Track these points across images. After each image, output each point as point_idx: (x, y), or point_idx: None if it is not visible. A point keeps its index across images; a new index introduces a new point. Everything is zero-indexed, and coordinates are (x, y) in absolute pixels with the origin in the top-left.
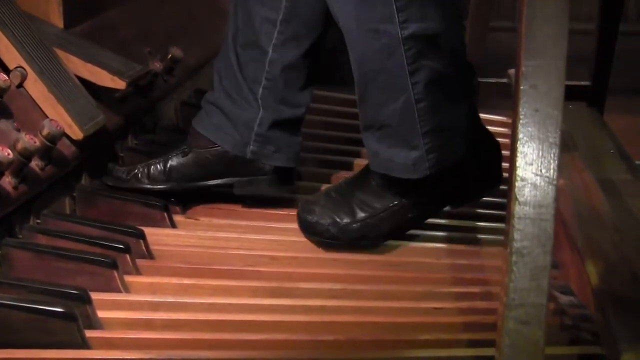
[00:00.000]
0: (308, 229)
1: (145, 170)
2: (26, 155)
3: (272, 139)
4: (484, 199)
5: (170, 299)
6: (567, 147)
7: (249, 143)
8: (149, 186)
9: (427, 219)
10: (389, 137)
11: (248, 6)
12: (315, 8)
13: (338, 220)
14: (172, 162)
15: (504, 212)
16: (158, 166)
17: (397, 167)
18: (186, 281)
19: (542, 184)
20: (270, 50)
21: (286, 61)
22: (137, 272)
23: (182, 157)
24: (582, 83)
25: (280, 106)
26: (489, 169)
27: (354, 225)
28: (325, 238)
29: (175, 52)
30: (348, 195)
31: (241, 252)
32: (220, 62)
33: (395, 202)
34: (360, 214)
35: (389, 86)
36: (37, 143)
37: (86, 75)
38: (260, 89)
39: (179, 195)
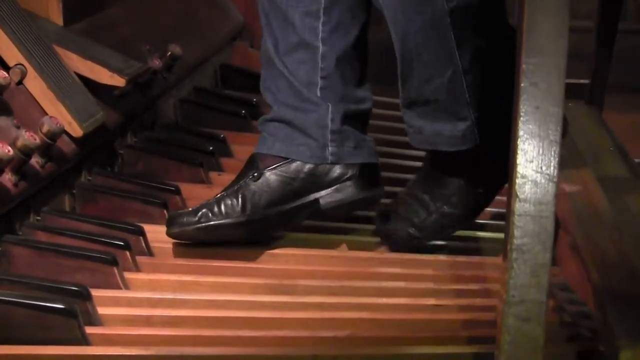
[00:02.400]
0: (390, 237)
1: (215, 207)
2: (26, 152)
3: (349, 133)
4: None
5: (169, 296)
6: (566, 145)
7: (327, 145)
8: (223, 221)
9: (496, 194)
10: (435, 112)
11: (282, 11)
12: None
13: (415, 219)
14: (244, 191)
15: (503, 209)
16: (228, 200)
17: (444, 140)
18: (185, 278)
19: (543, 181)
20: (320, 45)
21: (338, 52)
22: (137, 269)
23: (254, 182)
24: (582, 81)
25: (344, 103)
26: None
27: (431, 217)
28: (408, 241)
29: (175, 49)
30: (417, 194)
31: (240, 248)
32: (267, 80)
33: (462, 182)
34: (433, 205)
35: (435, 61)
36: (37, 140)
37: (85, 73)
38: (318, 90)
39: (259, 227)
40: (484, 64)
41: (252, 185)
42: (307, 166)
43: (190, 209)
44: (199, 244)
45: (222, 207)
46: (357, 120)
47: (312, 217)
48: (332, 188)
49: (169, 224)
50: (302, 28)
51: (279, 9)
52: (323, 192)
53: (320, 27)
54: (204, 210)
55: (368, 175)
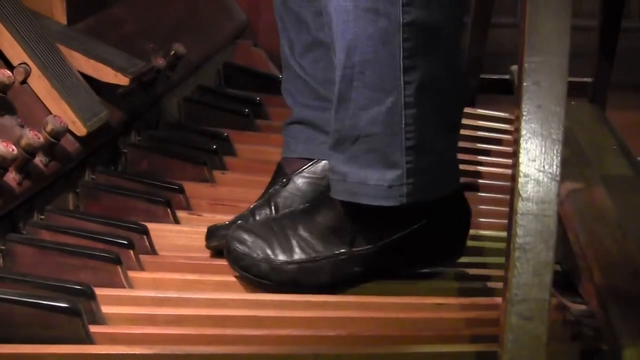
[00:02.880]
0: (235, 260)
1: (250, 218)
2: (30, 151)
3: None
4: (489, 194)
5: (173, 295)
6: (569, 143)
7: None
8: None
9: (375, 279)
10: (364, 154)
11: (295, 13)
12: None
13: (272, 256)
14: (276, 198)
15: (506, 208)
16: (262, 210)
17: (367, 190)
18: (189, 277)
19: (545, 180)
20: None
21: None
22: (141, 267)
23: (283, 188)
24: (584, 79)
25: None
26: (457, 233)
27: (289, 266)
28: (253, 275)
29: (178, 48)
30: (289, 229)
31: None
32: (286, 83)
33: (343, 251)
34: (299, 255)
35: (377, 82)
36: (41, 139)
37: (89, 72)
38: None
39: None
40: (432, 103)
41: (282, 192)
42: None
43: (226, 222)
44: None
45: (257, 217)
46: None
47: None
48: None
49: (208, 237)
50: (315, 27)
51: (292, 11)
52: None
53: None
54: (239, 222)
55: None
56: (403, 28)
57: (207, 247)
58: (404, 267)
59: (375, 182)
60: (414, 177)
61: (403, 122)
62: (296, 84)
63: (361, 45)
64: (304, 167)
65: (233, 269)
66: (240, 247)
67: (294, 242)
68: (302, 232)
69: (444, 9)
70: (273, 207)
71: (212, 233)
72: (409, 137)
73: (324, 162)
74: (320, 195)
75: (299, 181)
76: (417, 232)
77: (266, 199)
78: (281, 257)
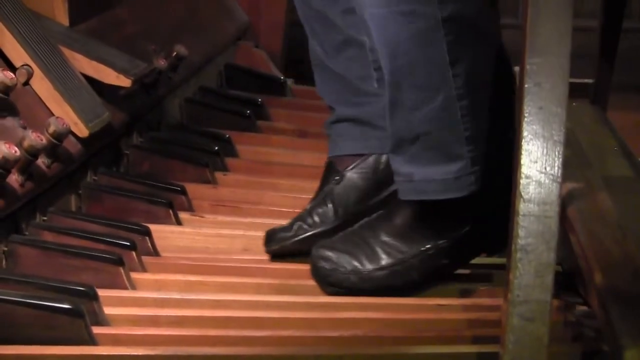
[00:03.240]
0: (324, 278)
1: (308, 218)
2: (32, 153)
3: None
4: None
5: (175, 296)
6: (571, 145)
7: None
8: (320, 229)
9: (464, 264)
10: (425, 151)
11: (323, 14)
12: None
13: (359, 267)
14: (331, 195)
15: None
16: (319, 209)
17: (435, 186)
18: (191, 278)
19: (547, 181)
20: (366, 38)
21: None
22: (143, 269)
23: (337, 185)
24: (586, 80)
25: None
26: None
27: (379, 272)
28: (344, 288)
29: (180, 49)
30: (370, 237)
31: (246, 249)
32: (322, 84)
33: (429, 246)
34: (386, 260)
35: (426, 81)
36: (44, 140)
37: (91, 73)
38: (375, 82)
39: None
40: (480, 91)
41: (337, 189)
42: (384, 157)
43: (284, 224)
44: (297, 254)
45: (315, 217)
46: None
47: None
48: None
49: (267, 241)
50: (345, 26)
51: (319, 12)
52: None
53: (362, 21)
54: (298, 223)
55: None
56: (443, 24)
57: (267, 251)
58: (486, 251)
59: (442, 177)
60: (478, 164)
61: (459, 114)
62: (335, 83)
63: (404, 48)
64: (355, 163)
65: (322, 287)
66: (326, 265)
67: (379, 249)
68: (385, 238)
69: (475, 1)
70: (330, 204)
71: (271, 237)
72: (466, 128)
73: (374, 155)
74: (393, 200)
75: (353, 176)
76: (488, 215)
77: (322, 197)
78: (369, 266)
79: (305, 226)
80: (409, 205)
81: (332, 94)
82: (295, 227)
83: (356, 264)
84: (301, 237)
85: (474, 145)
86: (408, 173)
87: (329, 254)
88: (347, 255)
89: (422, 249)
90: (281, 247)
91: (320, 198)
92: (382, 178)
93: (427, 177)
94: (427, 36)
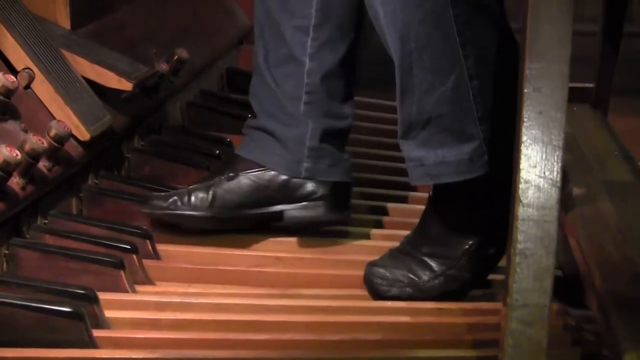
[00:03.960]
0: (383, 295)
1: (186, 197)
2: (34, 156)
3: (326, 151)
4: None
5: (176, 299)
6: (571, 149)
7: (302, 160)
8: (189, 212)
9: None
10: (437, 134)
11: (276, 23)
12: (346, 7)
13: (416, 279)
14: (216, 188)
15: None
16: (199, 193)
17: (448, 168)
18: (192, 285)
19: (546, 186)
20: (307, 60)
21: (325, 69)
22: (144, 272)
23: (227, 182)
24: (586, 85)
25: (326, 119)
26: None
27: (435, 281)
28: (400, 299)
29: (181, 53)
30: (415, 251)
31: (246, 252)
32: (256, 87)
33: (470, 242)
34: (439, 267)
35: (437, 64)
36: (45, 144)
37: (93, 76)
38: (302, 105)
39: (221, 224)
40: (490, 70)
41: (225, 184)
42: (281, 177)
43: (164, 193)
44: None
45: (192, 199)
46: (337, 137)
47: (274, 229)
48: (301, 204)
49: (144, 202)
50: (292, 42)
51: (274, 22)
52: (290, 206)
53: (309, 43)
54: (174, 198)
55: (339, 195)
56: (452, 5)
57: (141, 210)
58: None
59: (455, 158)
60: (491, 144)
61: (471, 95)
62: (265, 92)
63: (414, 31)
64: (253, 170)
65: (373, 297)
66: (383, 282)
67: (427, 260)
68: (427, 249)
69: None
70: (210, 195)
71: (148, 200)
72: (478, 108)
73: (273, 172)
74: (422, 216)
75: (244, 181)
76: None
77: (208, 185)
78: (424, 277)
79: (179, 203)
80: (435, 212)
81: (261, 102)
82: (170, 200)
83: (412, 276)
84: (171, 212)
85: (485, 126)
86: (419, 157)
87: (383, 271)
88: (400, 270)
89: (466, 247)
90: (151, 213)
91: (206, 184)
92: (269, 196)
93: (439, 160)
94: (437, 18)
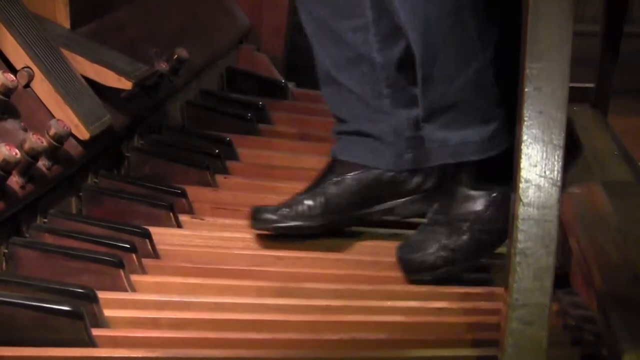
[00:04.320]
0: (417, 269)
1: (297, 206)
2: (33, 155)
3: (423, 139)
4: None
5: (176, 298)
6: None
7: (403, 152)
8: (302, 223)
9: None
10: (460, 116)
11: (332, 30)
12: None
13: (445, 242)
14: (326, 194)
15: None
16: (308, 201)
17: (472, 148)
18: (192, 280)
19: (546, 185)
20: (377, 56)
21: (396, 58)
22: (143, 271)
23: (334, 186)
24: (586, 85)
25: (414, 107)
26: None
27: (464, 237)
28: (438, 269)
29: (181, 52)
30: (441, 219)
31: (246, 251)
32: (333, 98)
33: (494, 194)
34: (465, 225)
35: (458, 54)
36: (44, 143)
37: (92, 76)
38: (387, 100)
39: (334, 226)
40: (503, 57)
41: (332, 189)
42: (387, 174)
43: (274, 206)
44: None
45: (303, 208)
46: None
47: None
48: (410, 198)
49: (252, 218)
50: (356, 43)
51: (328, 28)
52: (399, 201)
53: (374, 39)
54: (285, 209)
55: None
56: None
57: (250, 226)
58: None
59: (479, 138)
60: (509, 124)
61: (490, 81)
62: (346, 99)
63: (435, 25)
64: (358, 172)
65: (421, 277)
66: (415, 256)
67: (453, 221)
68: (452, 212)
69: None
70: (321, 201)
71: (256, 215)
72: (496, 92)
73: (378, 171)
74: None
75: (353, 183)
76: None
77: (316, 191)
78: (453, 237)
79: (292, 214)
80: (456, 177)
81: (344, 108)
82: (280, 212)
83: (442, 241)
84: (283, 225)
85: (504, 106)
86: (443, 139)
87: (411, 247)
88: (427, 241)
89: (490, 198)
90: (263, 228)
91: (314, 191)
92: (376, 195)
93: (462, 140)
94: (456, 12)
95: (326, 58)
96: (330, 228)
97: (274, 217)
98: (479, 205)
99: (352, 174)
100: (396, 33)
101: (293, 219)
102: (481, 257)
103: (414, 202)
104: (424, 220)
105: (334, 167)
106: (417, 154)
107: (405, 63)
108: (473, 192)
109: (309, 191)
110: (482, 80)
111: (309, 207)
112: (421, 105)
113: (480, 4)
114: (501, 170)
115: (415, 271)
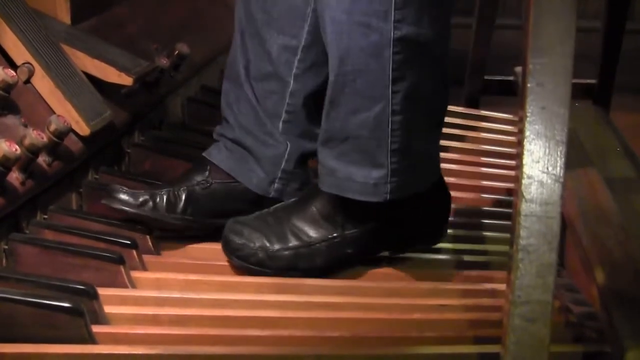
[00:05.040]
0: (233, 251)
1: (158, 199)
2: (33, 151)
3: (297, 175)
4: (492, 195)
5: (176, 295)
6: (573, 145)
7: (274, 181)
8: (162, 218)
9: (367, 257)
10: (352, 152)
11: (260, 36)
12: None
13: (268, 245)
14: (190, 194)
15: (509, 209)
16: (172, 197)
17: (354, 186)
18: (192, 277)
19: (549, 181)
20: (292, 81)
21: (307, 91)
22: (144, 267)
23: (202, 190)
24: (589, 81)
25: (303, 140)
26: (439, 217)
27: (285, 252)
28: (251, 264)
29: (182, 48)
30: (284, 219)
31: None
32: (232, 97)
33: (335, 235)
34: (293, 242)
35: (367, 91)
36: (45, 139)
37: (93, 71)
38: (281, 123)
39: (191, 231)
40: (417, 110)
41: (198, 192)
42: (253, 192)
43: (133, 190)
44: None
45: (163, 202)
46: (307, 160)
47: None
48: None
49: (109, 194)
50: (278, 60)
51: (258, 34)
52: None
53: (296, 64)
54: (145, 197)
55: None
56: (394, 42)
57: (105, 203)
58: (391, 248)
59: (362, 180)
60: (397, 177)
61: (389, 128)
62: (243, 105)
63: (353, 56)
64: (228, 181)
65: (231, 259)
66: (236, 239)
67: (288, 231)
68: (296, 222)
69: (433, 24)
70: (184, 201)
71: (114, 193)
72: (394, 141)
73: (244, 187)
74: (311, 189)
75: (221, 189)
76: (403, 216)
77: (180, 190)
78: (276, 245)
79: (150, 204)
80: (324, 195)
81: (237, 114)
82: (141, 199)
83: (265, 242)
84: (142, 213)
85: (398, 158)
86: (332, 168)
87: (242, 229)
88: (258, 232)
89: (330, 236)
90: (120, 210)
91: (177, 189)
92: (238, 208)
93: (348, 176)
94: (376, 50)
95: (242, 59)
96: (189, 232)
97: (134, 202)
98: (315, 234)
99: (220, 181)
100: (319, 67)
101: (149, 212)
102: (286, 275)
103: None
104: None
105: (203, 166)
106: (284, 187)
107: (314, 99)
108: (321, 221)
109: (177, 185)
110: (381, 123)
111: (172, 202)
112: (322, 127)
113: (404, 51)
114: (370, 213)
115: (229, 252)
